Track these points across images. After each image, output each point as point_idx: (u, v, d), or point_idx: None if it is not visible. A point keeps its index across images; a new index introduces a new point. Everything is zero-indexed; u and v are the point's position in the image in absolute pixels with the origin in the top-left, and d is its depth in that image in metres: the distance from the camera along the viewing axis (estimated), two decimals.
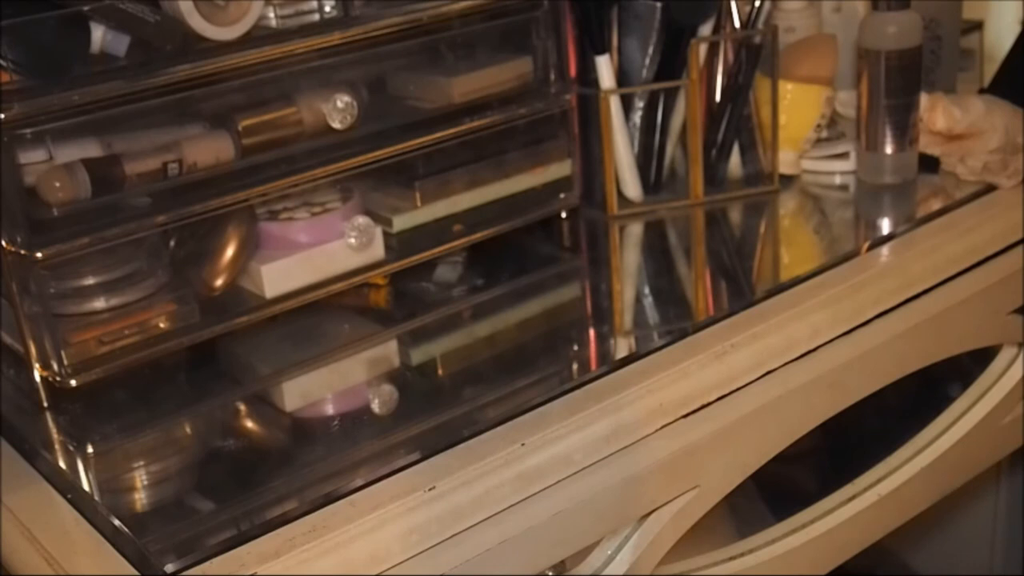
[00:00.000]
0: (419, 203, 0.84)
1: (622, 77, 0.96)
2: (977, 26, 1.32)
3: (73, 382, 0.71)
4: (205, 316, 0.76)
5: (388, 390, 0.74)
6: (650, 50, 0.95)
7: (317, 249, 0.79)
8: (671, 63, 0.95)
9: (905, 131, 0.94)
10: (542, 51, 0.88)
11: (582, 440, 0.65)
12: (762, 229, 0.94)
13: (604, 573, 0.70)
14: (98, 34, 0.72)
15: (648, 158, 0.97)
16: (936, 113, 0.96)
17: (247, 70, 0.74)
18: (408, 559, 0.60)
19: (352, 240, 0.80)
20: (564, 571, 0.70)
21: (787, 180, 0.99)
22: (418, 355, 0.79)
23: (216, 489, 0.65)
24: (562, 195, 0.91)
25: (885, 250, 0.85)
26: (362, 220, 0.81)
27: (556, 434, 0.65)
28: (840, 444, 0.93)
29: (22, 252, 0.68)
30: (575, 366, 0.74)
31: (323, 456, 0.66)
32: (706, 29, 0.95)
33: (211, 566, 0.57)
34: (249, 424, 0.72)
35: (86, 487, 0.66)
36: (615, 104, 0.94)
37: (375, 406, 0.72)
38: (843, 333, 0.76)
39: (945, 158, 0.96)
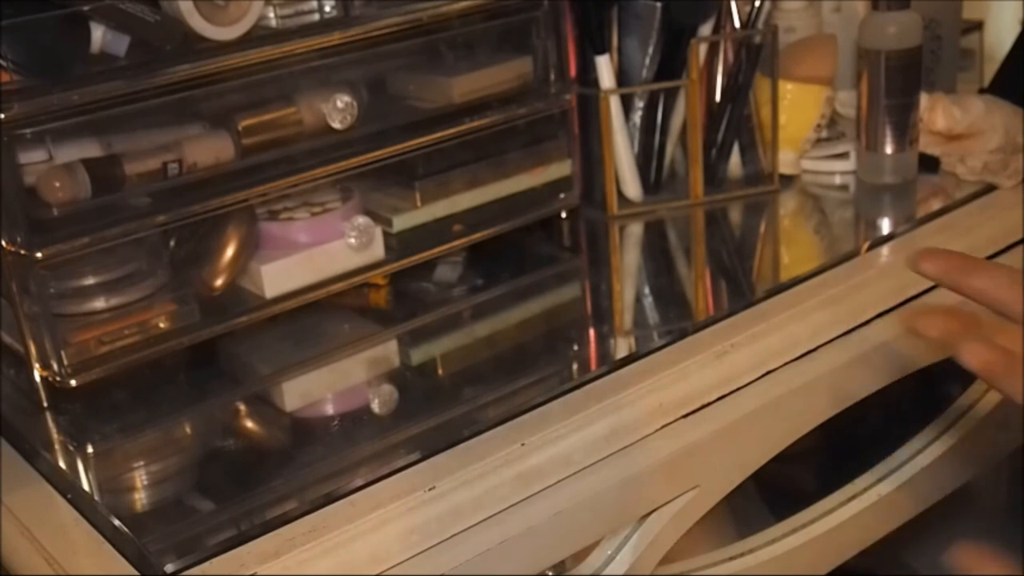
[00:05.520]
0: (419, 203, 0.84)
1: (622, 77, 0.96)
2: (977, 26, 1.32)
3: (73, 382, 0.71)
4: (205, 316, 0.76)
5: (388, 390, 0.74)
6: (650, 50, 0.95)
7: (317, 249, 0.79)
8: (671, 63, 0.95)
9: (905, 131, 0.94)
10: (542, 51, 0.88)
11: (582, 440, 0.65)
12: (762, 229, 0.94)
13: (604, 573, 0.70)
14: (98, 34, 0.72)
15: (648, 158, 0.97)
16: (936, 113, 0.96)
17: (247, 70, 0.74)
18: (408, 559, 0.60)
19: (352, 240, 0.80)
20: (564, 571, 0.70)
21: (787, 180, 0.99)
22: (418, 355, 0.79)
23: (216, 489, 0.65)
24: (562, 195, 0.91)
25: (885, 250, 0.85)
26: (362, 220, 0.81)
27: (556, 434, 0.65)
28: (840, 444, 0.93)
29: (22, 252, 0.68)
30: (575, 366, 0.74)
31: (323, 456, 0.66)
32: (706, 29, 0.95)
33: (211, 566, 0.57)
34: (249, 424, 0.72)
35: (86, 487, 0.66)
36: (615, 104, 0.94)
37: (375, 406, 0.72)
38: (843, 333, 0.76)
39: (945, 158, 0.96)
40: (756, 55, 0.95)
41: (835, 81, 1.00)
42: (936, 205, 0.91)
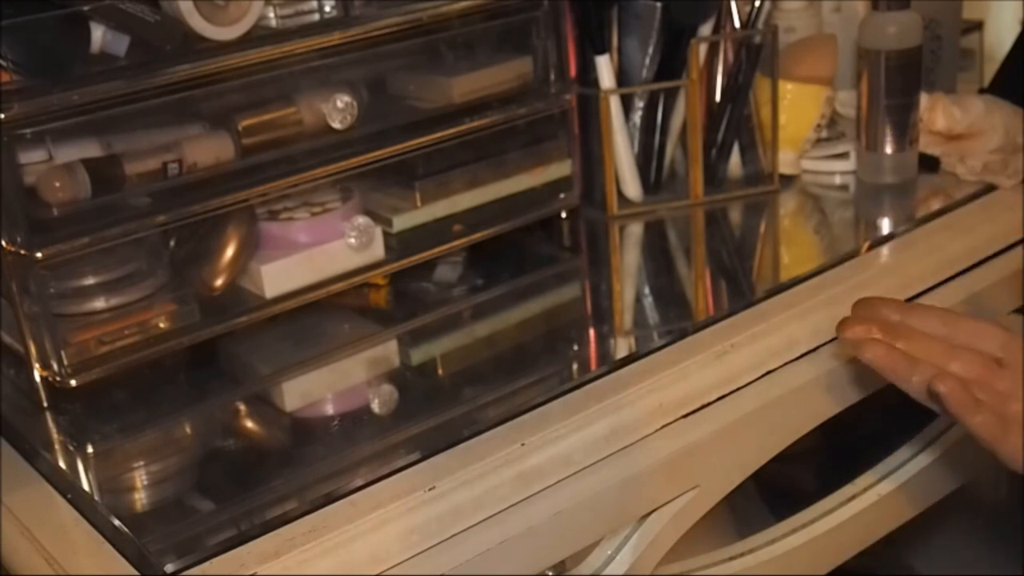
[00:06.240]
0: (419, 203, 0.84)
1: (622, 77, 0.96)
2: (977, 26, 1.32)
3: (73, 382, 0.71)
4: (205, 316, 0.76)
5: (388, 390, 0.74)
6: (650, 50, 0.95)
7: (317, 249, 0.79)
8: (671, 63, 0.95)
9: (905, 131, 0.94)
10: (542, 51, 0.88)
11: (582, 440, 0.65)
12: (762, 229, 0.94)
13: (604, 573, 0.70)
14: (98, 34, 0.72)
15: (648, 158, 0.97)
16: (936, 113, 0.96)
17: (247, 70, 0.74)
18: (408, 559, 0.60)
19: (352, 240, 0.80)
20: (564, 571, 0.70)
21: (787, 180, 0.99)
22: (418, 355, 0.79)
23: (216, 489, 0.65)
24: (562, 195, 0.91)
25: (885, 250, 0.85)
26: (362, 220, 0.81)
27: (556, 434, 0.65)
28: (840, 444, 0.93)
29: (22, 252, 0.68)
30: (575, 366, 0.74)
31: (323, 456, 0.66)
32: (706, 29, 0.95)
33: (211, 566, 0.57)
34: (249, 424, 0.72)
35: (86, 487, 0.66)
36: (615, 104, 0.94)
37: (375, 406, 0.72)
38: None
39: (945, 158, 0.96)
40: (756, 55, 0.95)
41: (835, 81, 1.00)
42: (936, 205, 0.91)
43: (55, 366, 0.70)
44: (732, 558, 0.78)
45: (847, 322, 0.66)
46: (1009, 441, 0.61)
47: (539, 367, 0.74)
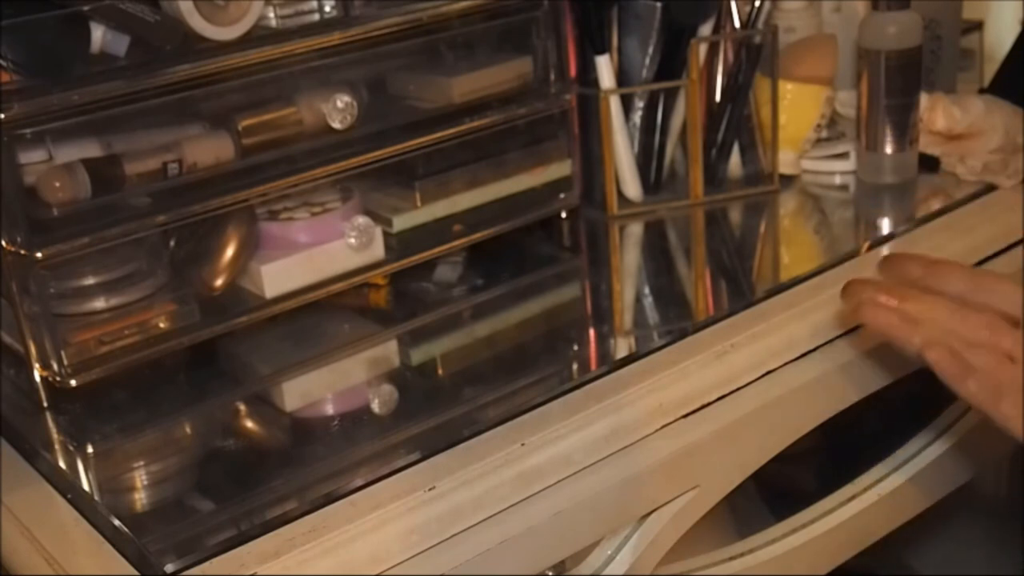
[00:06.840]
0: (419, 203, 0.84)
1: (622, 77, 0.96)
2: (977, 26, 1.32)
3: (73, 382, 0.71)
4: (205, 316, 0.76)
5: (388, 390, 0.74)
6: (650, 50, 0.95)
7: (317, 249, 0.79)
8: (671, 63, 0.95)
9: (905, 131, 0.94)
10: (542, 51, 0.88)
11: (582, 440, 0.65)
12: (762, 229, 0.94)
13: (604, 573, 0.70)
14: (98, 34, 0.72)
15: (648, 158, 0.97)
16: (936, 113, 0.96)
17: (247, 70, 0.74)
18: (408, 559, 0.60)
19: (352, 240, 0.80)
20: (564, 571, 0.70)
21: (787, 180, 0.99)
22: (418, 355, 0.79)
23: (216, 489, 0.65)
24: (562, 195, 0.91)
25: (885, 250, 0.85)
26: (362, 220, 0.81)
27: (556, 434, 0.65)
28: (840, 444, 0.93)
29: (22, 252, 0.68)
30: (575, 366, 0.74)
31: (323, 456, 0.66)
32: (706, 29, 0.95)
33: (211, 566, 0.57)
34: (249, 424, 0.72)
35: (86, 487, 0.66)
36: (615, 104, 0.94)
37: (375, 406, 0.72)
38: (843, 333, 0.76)
39: (945, 158, 0.96)
40: (756, 55, 0.95)
41: (835, 81, 1.00)
42: (936, 205, 0.91)
43: (55, 366, 0.70)
44: (732, 558, 0.78)
45: (852, 283, 0.65)
46: (1003, 405, 0.60)
47: (539, 367, 0.74)
